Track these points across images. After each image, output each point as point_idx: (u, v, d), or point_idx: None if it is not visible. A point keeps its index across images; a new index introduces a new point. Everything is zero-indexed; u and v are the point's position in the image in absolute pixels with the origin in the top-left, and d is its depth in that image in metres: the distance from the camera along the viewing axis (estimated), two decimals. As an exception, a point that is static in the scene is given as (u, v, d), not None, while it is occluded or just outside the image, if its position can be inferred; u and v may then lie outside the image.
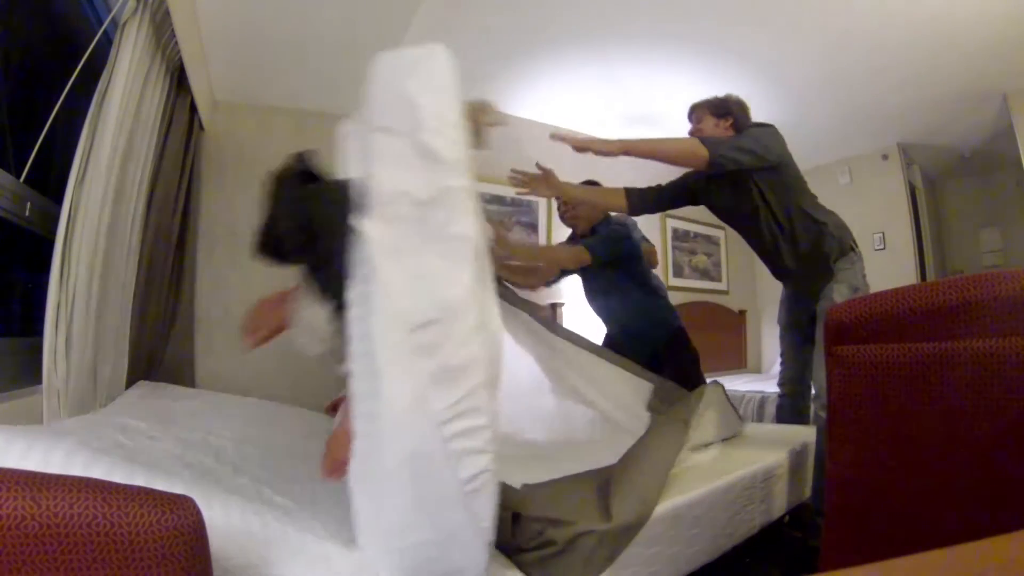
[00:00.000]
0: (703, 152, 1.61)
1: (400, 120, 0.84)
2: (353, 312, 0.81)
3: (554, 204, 3.69)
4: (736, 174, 1.69)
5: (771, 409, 3.01)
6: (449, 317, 0.77)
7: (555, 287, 2.52)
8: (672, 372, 1.98)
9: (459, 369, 0.76)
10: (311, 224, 0.93)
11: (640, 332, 2.19)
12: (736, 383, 3.76)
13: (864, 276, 1.69)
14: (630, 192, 1.99)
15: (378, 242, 0.79)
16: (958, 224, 4.82)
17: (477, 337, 0.78)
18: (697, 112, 1.89)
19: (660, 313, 2.22)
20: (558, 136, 1.66)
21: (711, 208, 1.97)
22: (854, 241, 1.75)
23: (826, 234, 1.70)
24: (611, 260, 2.09)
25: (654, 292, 2.25)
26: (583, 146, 1.63)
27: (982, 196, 4.67)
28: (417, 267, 0.79)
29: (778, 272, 1.92)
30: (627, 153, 1.63)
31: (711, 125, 1.82)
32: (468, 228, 0.81)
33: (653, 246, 2.73)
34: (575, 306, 3.20)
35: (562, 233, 3.76)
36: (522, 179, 1.85)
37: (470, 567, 0.80)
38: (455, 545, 0.78)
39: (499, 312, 0.90)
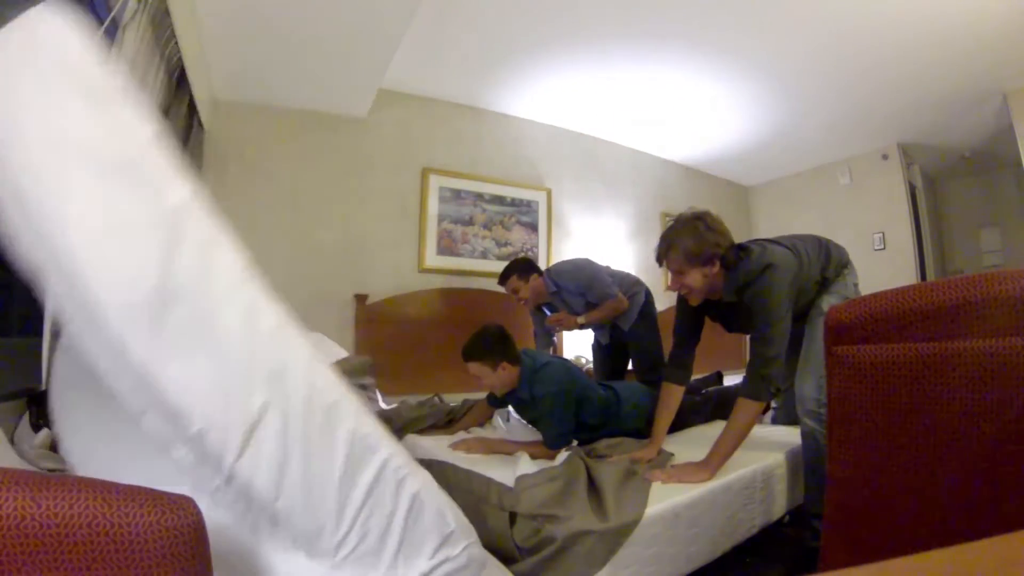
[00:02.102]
0: (760, 406, 1.46)
1: None
2: None
3: (553, 207, 3.71)
4: (740, 308, 1.56)
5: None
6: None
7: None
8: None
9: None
10: None
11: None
12: (736, 383, 3.77)
13: (856, 285, 1.66)
14: (677, 375, 1.73)
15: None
16: (958, 224, 4.82)
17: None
18: (672, 262, 1.52)
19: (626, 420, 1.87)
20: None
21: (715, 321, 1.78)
22: (846, 257, 1.70)
23: (827, 280, 1.64)
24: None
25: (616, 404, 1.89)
26: (682, 479, 1.39)
27: (982, 196, 4.67)
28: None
29: None
30: (717, 468, 1.42)
31: (699, 277, 1.51)
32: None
33: (620, 300, 2.36)
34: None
35: (562, 234, 3.77)
36: None
37: None
38: None
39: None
